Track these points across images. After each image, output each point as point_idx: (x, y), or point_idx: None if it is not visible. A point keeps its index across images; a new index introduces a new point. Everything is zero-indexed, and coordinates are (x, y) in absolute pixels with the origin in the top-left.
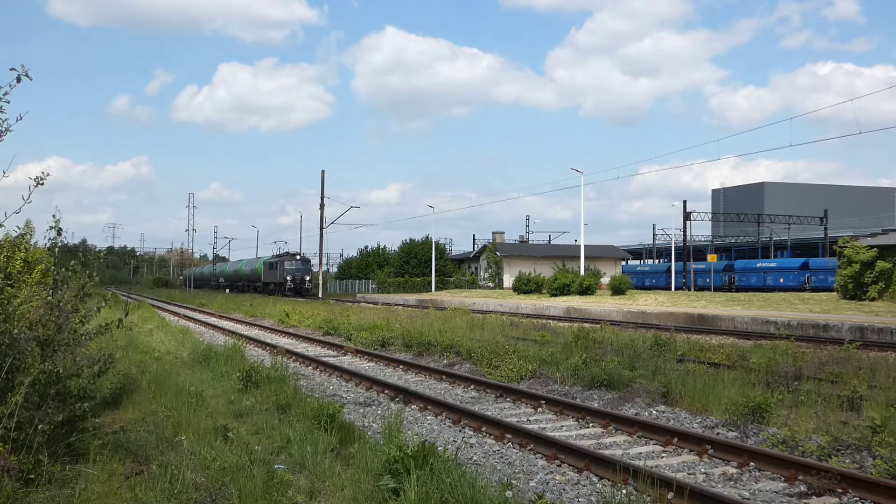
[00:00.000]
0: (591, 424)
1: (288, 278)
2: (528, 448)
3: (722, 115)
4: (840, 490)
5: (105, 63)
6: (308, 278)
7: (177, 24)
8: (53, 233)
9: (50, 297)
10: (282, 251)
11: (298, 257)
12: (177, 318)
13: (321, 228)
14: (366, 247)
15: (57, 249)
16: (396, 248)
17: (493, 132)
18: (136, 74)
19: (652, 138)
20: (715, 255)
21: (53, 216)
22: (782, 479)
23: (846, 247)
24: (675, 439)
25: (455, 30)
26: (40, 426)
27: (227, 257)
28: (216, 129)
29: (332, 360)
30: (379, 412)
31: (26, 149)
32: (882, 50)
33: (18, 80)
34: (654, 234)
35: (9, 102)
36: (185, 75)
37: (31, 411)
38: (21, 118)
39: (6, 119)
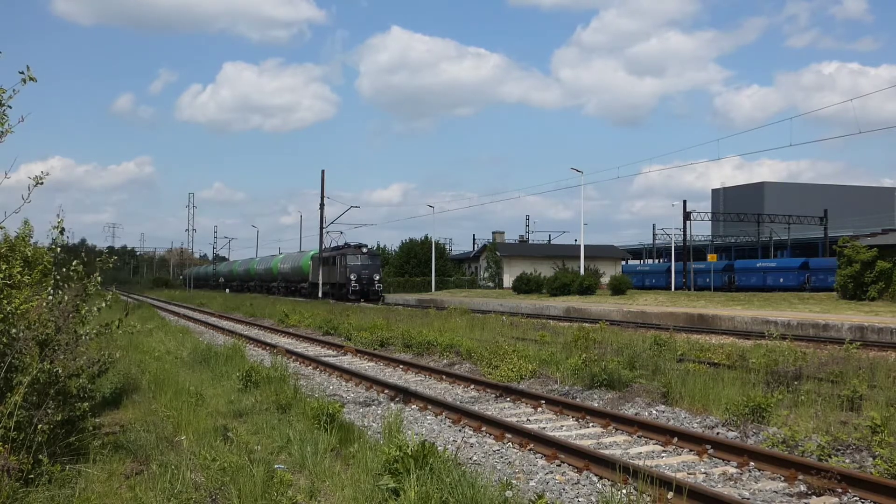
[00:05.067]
0: (590, 424)
1: (352, 277)
2: (528, 448)
3: (725, 115)
4: (840, 490)
5: (108, 62)
6: (377, 277)
7: (181, 24)
8: (56, 232)
9: (50, 297)
10: (335, 243)
11: (365, 250)
12: (177, 317)
13: (321, 228)
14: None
15: (59, 249)
16: (396, 248)
17: (497, 132)
18: (139, 73)
19: (655, 138)
20: (715, 255)
21: (57, 216)
22: (782, 478)
23: (846, 246)
24: (675, 439)
25: (462, 29)
26: (39, 426)
27: (226, 257)
28: (219, 129)
29: (332, 360)
30: (379, 412)
31: (29, 149)
32: (888, 49)
33: (24, 82)
34: (654, 234)
35: (11, 108)
36: (189, 74)
37: (30, 411)
38: (23, 120)
39: (7, 120)
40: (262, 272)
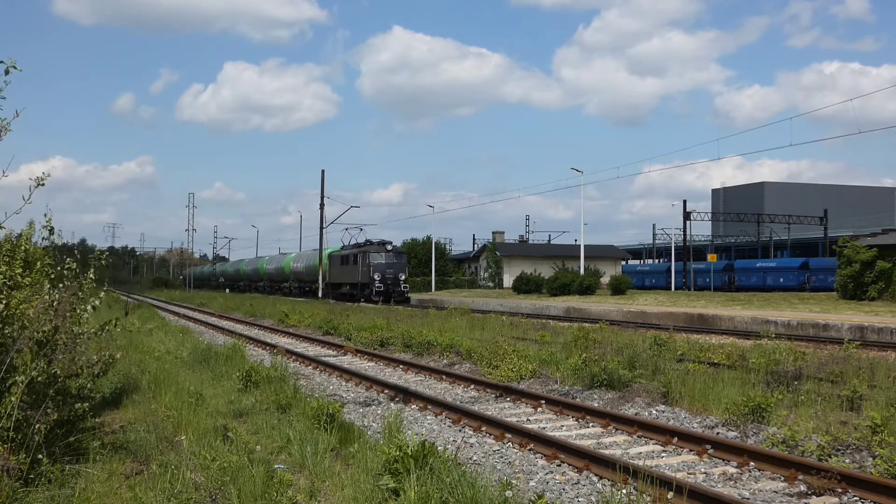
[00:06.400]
0: (591, 424)
1: (376, 277)
2: (528, 448)
3: (726, 115)
4: (840, 490)
5: (109, 62)
6: (403, 277)
7: (182, 23)
8: (46, 232)
9: (47, 297)
10: (355, 240)
11: (390, 248)
12: (176, 317)
13: (321, 228)
14: None
15: (52, 248)
16: None
17: (498, 132)
18: (140, 73)
19: (655, 138)
20: (715, 255)
21: (45, 215)
22: (782, 478)
23: (846, 246)
24: (675, 439)
25: (463, 29)
26: (37, 426)
27: (226, 257)
28: (220, 129)
29: (332, 360)
30: (379, 412)
31: (30, 149)
32: (890, 49)
33: (7, 72)
34: (654, 234)
35: (5, 98)
36: (189, 74)
37: (27, 411)
38: (17, 115)
39: (5, 119)
40: (273, 272)
